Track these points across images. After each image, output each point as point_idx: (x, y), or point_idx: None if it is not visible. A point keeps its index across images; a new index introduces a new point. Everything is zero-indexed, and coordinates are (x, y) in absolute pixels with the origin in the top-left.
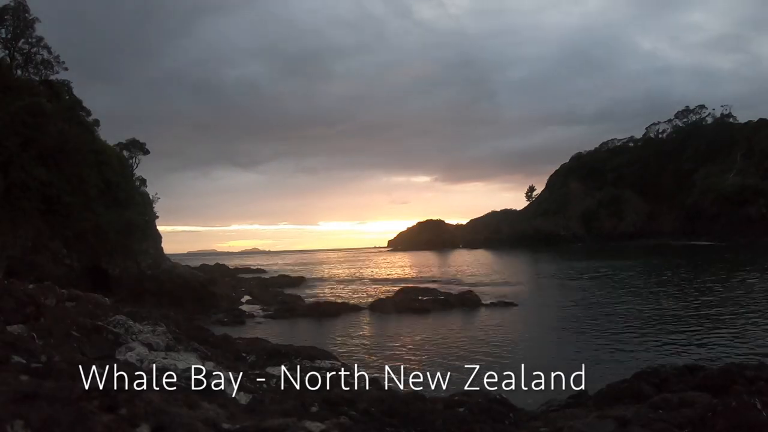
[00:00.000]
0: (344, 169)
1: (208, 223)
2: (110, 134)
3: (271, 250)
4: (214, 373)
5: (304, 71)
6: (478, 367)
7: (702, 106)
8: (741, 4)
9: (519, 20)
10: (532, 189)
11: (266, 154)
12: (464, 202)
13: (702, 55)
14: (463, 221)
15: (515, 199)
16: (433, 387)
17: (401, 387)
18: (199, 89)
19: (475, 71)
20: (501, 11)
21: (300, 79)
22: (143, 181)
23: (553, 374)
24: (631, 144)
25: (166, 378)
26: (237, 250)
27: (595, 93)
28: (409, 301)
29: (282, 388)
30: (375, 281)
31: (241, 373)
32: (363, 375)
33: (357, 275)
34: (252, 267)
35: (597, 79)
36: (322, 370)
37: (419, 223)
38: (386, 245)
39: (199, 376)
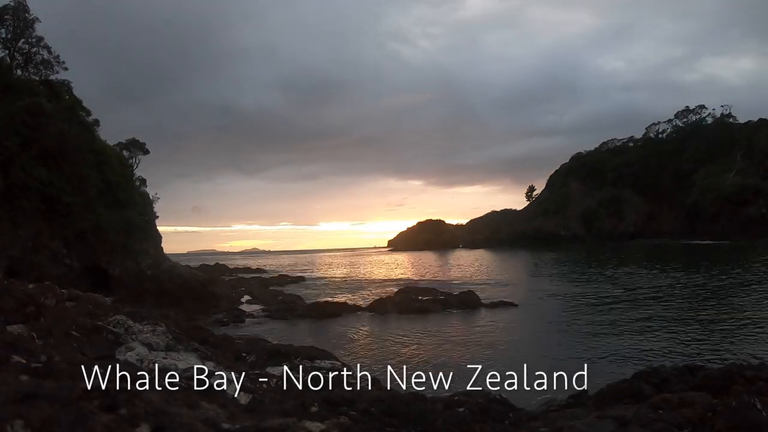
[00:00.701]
0: (342, 175)
1: (208, 224)
2: (110, 134)
3: (271, 250)
4: (214, 374)
5: (312, 99)
6: (478, 367)
7: (702, 106)
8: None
9: (492, 52)
10: (532, 189)
11: (270, 162)
12: (456, 203)
13: (654, 74)
14: (462, 221)
15: (503, 201)
16: (433, 387)
17: (401, 387)
18: (220, 113)
19: (456, 95)
20: (473, 45)
21: (308, 105)
22: (143, 181)
23: (553, 374)
24: (631, 144)
25: (167, 378)
26: (237, 250)
27: (567, 108)
28: (409, 301)
29: (282, 388)
30: (375, 281)
31: (241, 373)
32: (363, 375)
33: (357, 275)
34: (252, 267)
35: (566, 97)
36: (323, 370)
37: (419, 223)
38: (386, 245)
39: (200, 376)
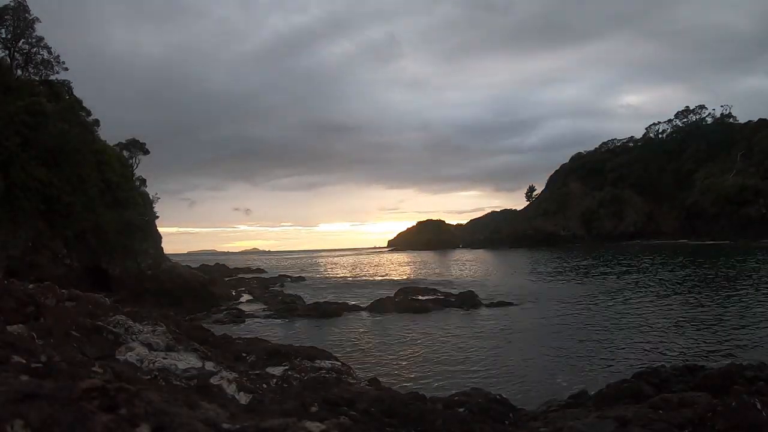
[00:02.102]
0: (341, 184)
1: (208, 224)
2: (110, 134)
3: (271, 250)
4: (214, 374)
5: (324, 135)
6: (478, 367)
7: (702, 106)
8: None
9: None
10: (532, 189)
11: (276, 174)
12: (448, 204)
13: (594, 100)
14: (462, 221)
15: (489, 202)
16: (433, 387)
17: (401, 387)
18: (239, 142)
19: (433, 130)
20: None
21: (320, 140)
22: (143, 181)
23: (552, 374)
24: (631, 144)
25: (167, 378)
26: (237, 251)
27: (528, 132)
28: (409, 301)
29: (282, 388)
30: (375, 281)
31: (241, 373)
32: (363, 375)
33: (357, 275)
34: (252, 267)
35: (526, 124)
36: (322, 370)
37: (419, 223)
38: (386, 245)
39: (200, 376)
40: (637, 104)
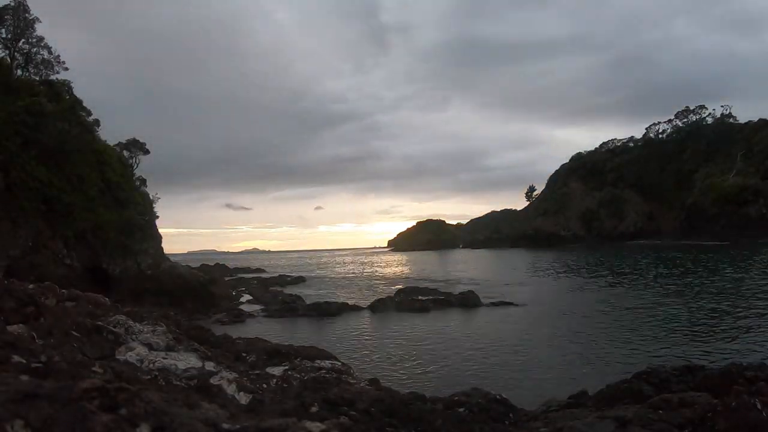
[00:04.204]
0: (339, 192)
1: (211, 225)
2: (111, 134)
3: (271, 250)
4: (214, 374)
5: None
6: (478, 367)
7: (702, 106)
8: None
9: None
10: (532, 189)
11: (274, 185)
12: (440, 209)
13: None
14: (463, 221)
15: (472, 208)
16: (433, 387)
17: (401, 387)
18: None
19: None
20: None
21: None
22: (143, 181)
23: (553, 374)
24: (631, 144)
25: (167, 378)
26: (237, 251)
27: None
28: (409, 301)
29: (282, 388)
30: (375, 281)
31: (241, 373)
32: (363, 375)
33: (357, 275)
34: (252, 267)
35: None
36: (322, 370)
37: (419, 223)
38: (386, 245)
39: (200, 376)
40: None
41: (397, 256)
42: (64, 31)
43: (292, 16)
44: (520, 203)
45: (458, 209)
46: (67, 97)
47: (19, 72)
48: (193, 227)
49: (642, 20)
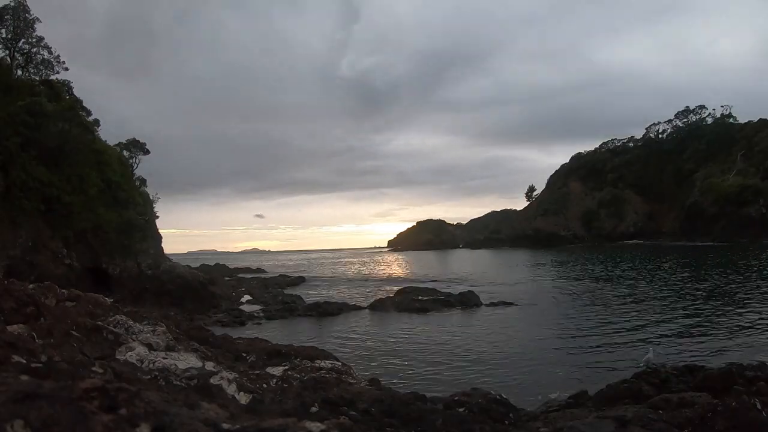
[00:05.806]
0: (338, 197)
1: (208, 225)
2: (111, 134)
3: (271, 250)
4: (214, 374)
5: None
6: (478, 367)
7: (702, 107)
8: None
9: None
10: (532, 189)
11: (276, 191)
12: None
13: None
14: (464, 221)
15: (455, 212)
16: (433, 387)
17: (401, 387)
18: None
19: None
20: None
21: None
22: (143, 181)
23: (553, 374)
24: (631, 144)
25: (167, 378)
26: (237, 251)
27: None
28: (409, 301)
29: (282, 388)
30: (375, 281)
31: (241, 373)
32: (363, 375)
33: (357, 275)
34: (252, 267)
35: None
36: (322, 370)
37: (419, 223)
38: (386, 245)
39: (200, 376)
40: None
41: (397, 256)
42: None
43: None
44: (520, 203)
45: (459, 212)
46: (67, 97)
47: (19, 72)
48: (192, 227)
49: None
